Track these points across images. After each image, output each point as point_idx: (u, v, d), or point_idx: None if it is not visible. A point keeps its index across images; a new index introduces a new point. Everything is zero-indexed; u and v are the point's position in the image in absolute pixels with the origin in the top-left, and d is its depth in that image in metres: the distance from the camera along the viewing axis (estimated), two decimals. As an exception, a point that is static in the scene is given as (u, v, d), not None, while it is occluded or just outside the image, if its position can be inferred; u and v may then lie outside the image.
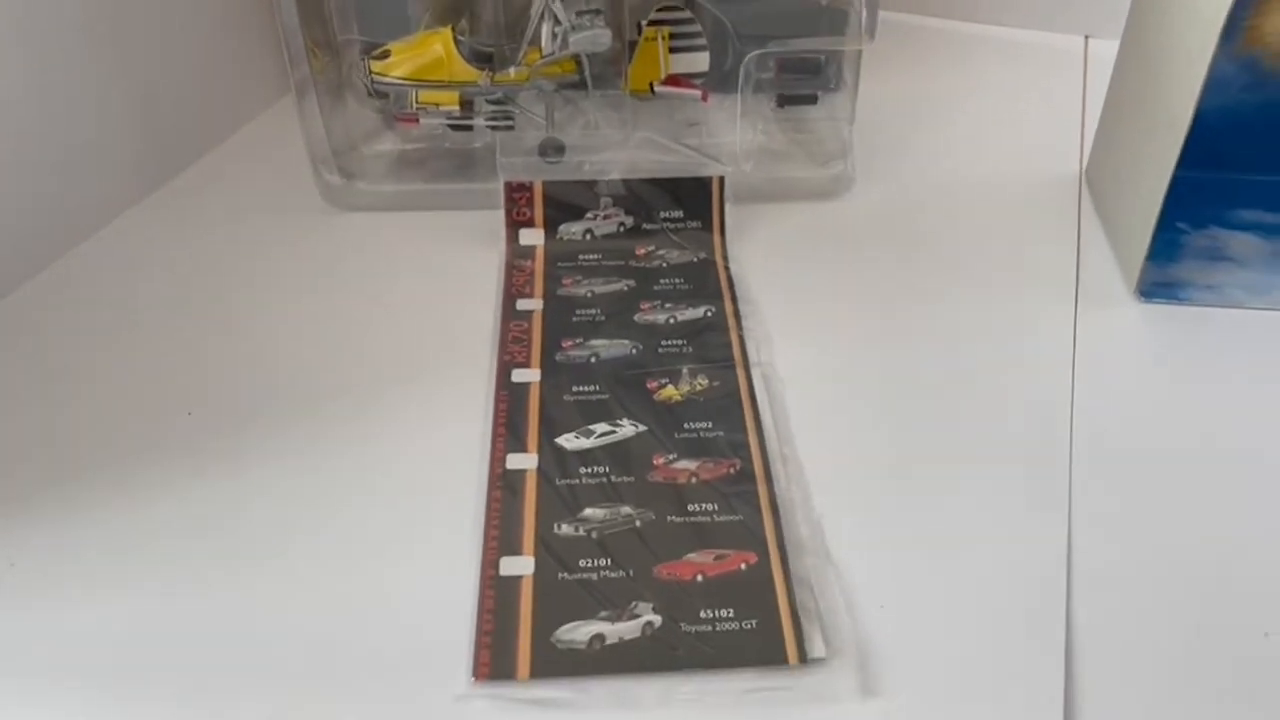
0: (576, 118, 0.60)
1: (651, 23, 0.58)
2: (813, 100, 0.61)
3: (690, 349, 0.50)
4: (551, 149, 0.58)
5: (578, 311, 0.52)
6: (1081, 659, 0.37)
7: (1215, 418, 0.47)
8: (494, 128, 0.59)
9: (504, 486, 0.43)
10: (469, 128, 0.60)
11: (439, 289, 0.54)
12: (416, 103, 0.58)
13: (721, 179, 0.56)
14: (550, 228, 0.56)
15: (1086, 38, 0.79)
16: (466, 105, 0.58)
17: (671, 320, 0.51)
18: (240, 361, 0.50)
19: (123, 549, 0.41)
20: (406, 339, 0.51)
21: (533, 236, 0.56)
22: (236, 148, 0.66)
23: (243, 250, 0.57)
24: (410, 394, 0.48)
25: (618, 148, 0.57)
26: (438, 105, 0.58)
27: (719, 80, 0.60)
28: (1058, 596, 0.39)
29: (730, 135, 0.59)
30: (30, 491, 0.43)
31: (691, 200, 0.57)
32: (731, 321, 0.51)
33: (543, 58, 0.57)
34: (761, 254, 0.56)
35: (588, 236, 0.56)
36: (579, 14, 0.57)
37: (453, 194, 0.59)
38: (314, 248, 0.57)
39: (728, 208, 0.57)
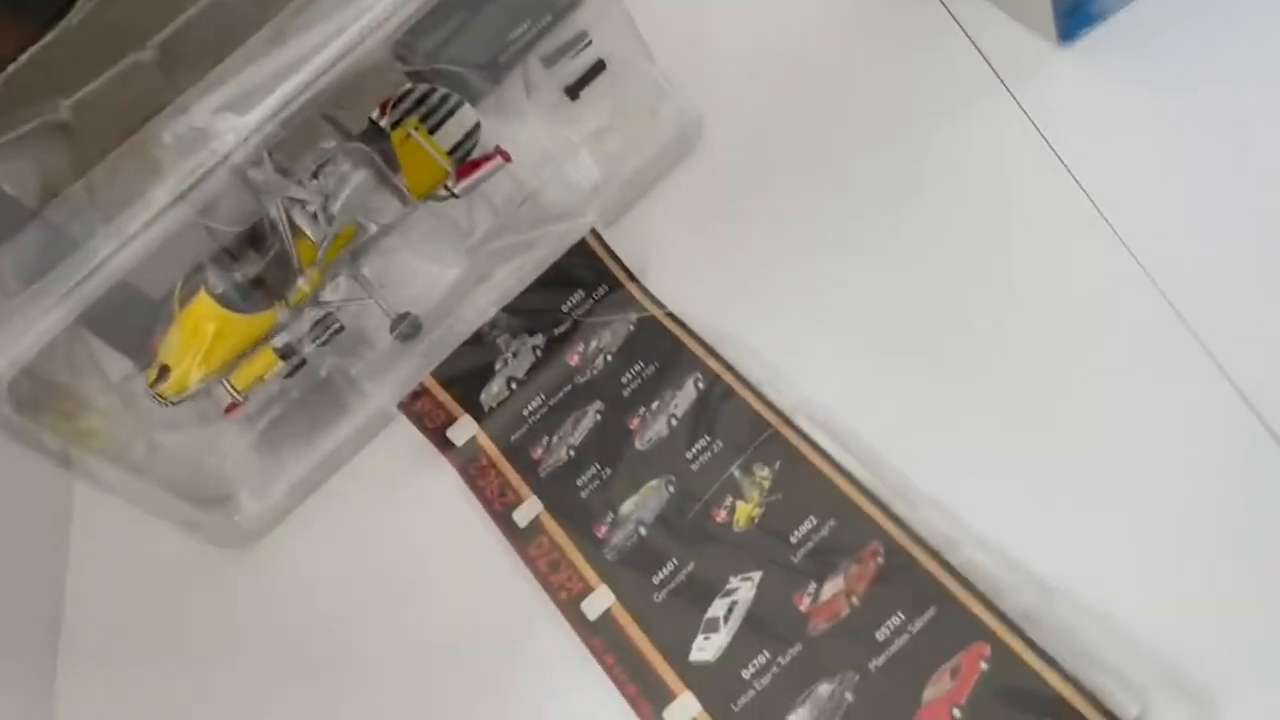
0: (394, 265, 0.50)
1: (394, 124, 0.47)
2: (600, 68, 0.51)
3: (720, 444, 0.42)
4: (409, 332, 0.47)
5: (579, 483, 0.43)
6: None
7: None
8: (325, 342, 0.49)
9: (692, 758, 0.36)
10: (303, 363, 0.49)
11: (421, 563, 0.45)
12: (237, 393, 0.47)
13: (593, 231, 0.47)
14: (472, 407, 0.47)
15: None
16: (286, 353, 0.47)
17: (674, 421, 0.43)
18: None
19: None
20: (436, 659, 0.42)
21: (464, 430, 0.47)
22: (83, 576, 0.53)
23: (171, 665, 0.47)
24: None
25: (470, 280, 0.47)
26: (262, 378, 0.47)
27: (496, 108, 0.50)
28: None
29: (555, 169, 0.49)
30: None
31: (580, 273, 0.47)
32: (729, 378, 0.43)
33: (318, 249, 0.46)
34: (685, 273, 0.47)
35: (513, 386, 0.47)
36: (314, 175, 0.46)
37: (345, 442, 0.48)
38: (245, 612, 0.47)
39: (617, 250, 0.48)
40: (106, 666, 0.49)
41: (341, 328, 0.48)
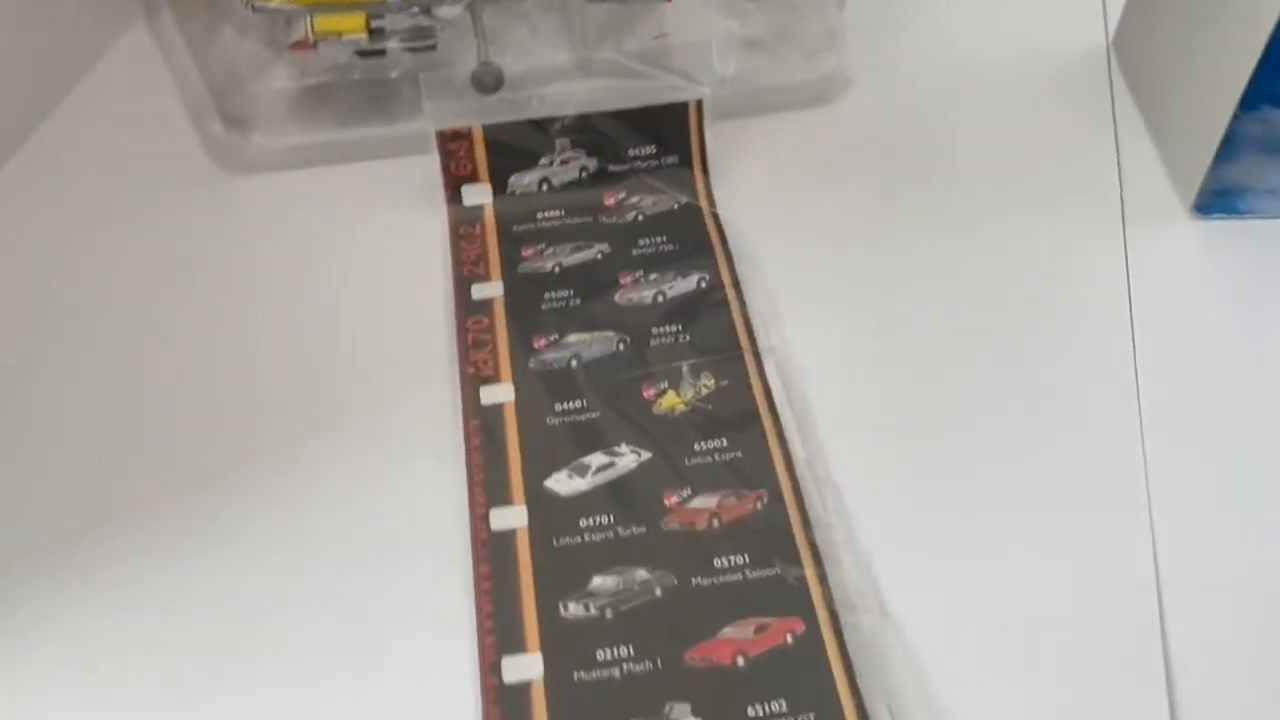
0: (513, 28, 0.50)
1: (594, -97, 0.47)
2: (794, -17, 0.51)
3: (688, 337, 0.41)
4: (489, 82, 0.47)
5: (547, 296, 0.43)
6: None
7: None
8: (412, 50, 0.48)
9: (491, 558, 0.35)
10: (382, 53, 0.48)
11: (373, 277, 0.45)
12: (313, 32, 0.46)
13: (700, 103, 0.46)
14: (498, 180, 0.47)
15: None
16: (375, 31, 0.47)
17: (660, 298, 0.43)
18: (113, 398, 0.41)
19: None
20: (340, 354, 0.42)
21: (478, 194, 0.46)
22: (81, 105, 0.53)
23: (112, 240, 0.46)
24: (351, 435, 0.39)
25: (570, 74, 0.47)
26: (340, 34, 0.46)
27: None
28: (1153, 636, 0.34)
29: (702, 40, 0.49)
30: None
31: (665, 131, 0.47)
32: (730, 292, 0.43)
33: (465, -41, 0.46)
34: (753, 191, 0.47)
35: (544, 187, 0.47)
36: (502, -102, 0.46)
37: (372, 141, 0.48)
38: (204, 231, 0.46)
39: (708, 135, 0.47)
40: (40, 201, 0.48)
41: (434, 46, 0.48)
